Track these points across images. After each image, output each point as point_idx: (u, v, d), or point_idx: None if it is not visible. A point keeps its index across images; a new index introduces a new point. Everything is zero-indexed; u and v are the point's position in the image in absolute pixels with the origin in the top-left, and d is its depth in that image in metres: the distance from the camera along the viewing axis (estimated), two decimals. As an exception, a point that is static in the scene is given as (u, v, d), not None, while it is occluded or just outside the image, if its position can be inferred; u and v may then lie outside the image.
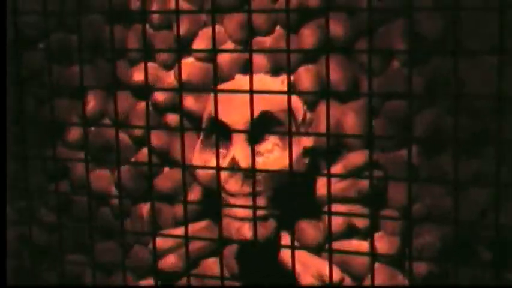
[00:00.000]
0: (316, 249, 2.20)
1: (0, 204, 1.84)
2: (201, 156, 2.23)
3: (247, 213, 2.11)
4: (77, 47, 1.77)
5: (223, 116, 2.17)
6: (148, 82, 1.63)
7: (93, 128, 2.53)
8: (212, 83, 2.33)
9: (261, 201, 2.14)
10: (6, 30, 2.00)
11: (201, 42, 2.36)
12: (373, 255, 2.19)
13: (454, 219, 1.33)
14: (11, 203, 2.64)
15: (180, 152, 1.65)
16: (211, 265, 2.38)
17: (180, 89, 1.58)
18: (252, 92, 1.50)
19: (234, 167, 2.11)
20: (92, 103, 2.52)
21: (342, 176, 2.19)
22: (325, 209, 2.22)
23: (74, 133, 2.55)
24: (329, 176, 1.49)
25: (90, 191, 2.50)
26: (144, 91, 2.44)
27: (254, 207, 1.52)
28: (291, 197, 2.18)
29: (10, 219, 2.61)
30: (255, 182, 1.67)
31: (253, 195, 1.64)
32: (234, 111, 2.14)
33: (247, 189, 2.12)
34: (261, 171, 1.93)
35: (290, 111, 1.68)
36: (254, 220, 1.55)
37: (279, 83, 2.27)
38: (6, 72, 1.94)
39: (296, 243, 2.25)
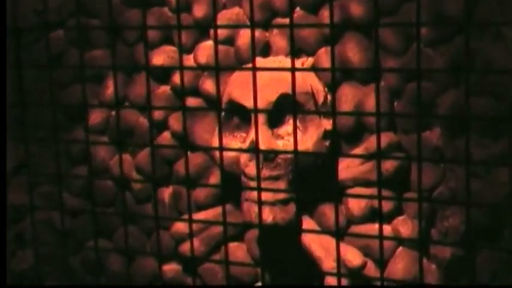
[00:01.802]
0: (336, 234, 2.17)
1: (0, 204, 1.84)
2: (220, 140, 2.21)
3: (268, 197, 2.08)
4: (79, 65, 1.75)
5: (242, 100, 2.15)
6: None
7: (113, 112, 2.52)
8: (232, 65, 2.30)
9: (281, 185, 2.12)
10: (6, 29, 2.00)
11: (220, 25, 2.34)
12: (397, 239, 2.16)
13: (467, 202, 1.30)
14: (36, 188, 2.65)
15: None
16: (233, 249, 2.36)
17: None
18: (254, 69, 1.46)
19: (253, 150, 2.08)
20: (111, 88, 2.51)
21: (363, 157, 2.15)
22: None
23: (95, 117, 2.54)
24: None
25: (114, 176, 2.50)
26: (162, 73, 2.42)
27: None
28: (312, 180, 2.15)
29: (34, 205, 2.62)
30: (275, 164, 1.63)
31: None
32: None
33: (267, 172, 2.10)
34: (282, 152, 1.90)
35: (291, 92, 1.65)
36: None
37: (299, 65, 2.24)
38: (6, 71, 1.93)
39: (317, 228, 2.22)
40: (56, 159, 1.72)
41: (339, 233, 1.59)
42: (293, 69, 1.45)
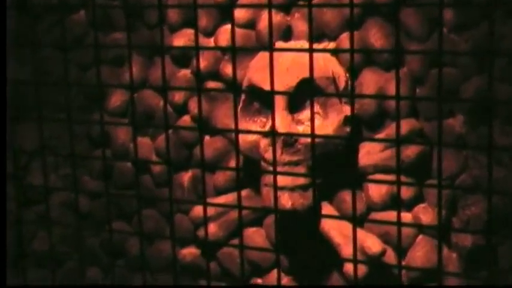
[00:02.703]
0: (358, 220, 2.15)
1: (0, 203, 1.84)
2: (240, 125, 2.20)
3: (287, 182, 2.07)
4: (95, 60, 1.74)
5: (262, 84, 2.13)
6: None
7: (135, 95, 2.52)
8: (251, 47, 2.28)
9: (301, 171, 2.10)
10: (6, 28, 1.99)
11: (241, 9, 2.31)
12: (419, 225, 2.13)
13: (488, 189, 1.27)
14: (56, 170, 2.66)
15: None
16: (252, 234, 2.35)
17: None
18: (272, 49, 1.44)
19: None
20: (133, 70, 2.50)
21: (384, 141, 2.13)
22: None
23: (116, 100, 2.54)
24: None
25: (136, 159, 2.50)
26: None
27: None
28: (332, 167, 2.13)
29: (55, 186, 2.63)
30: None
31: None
32: (274, 79, 2.09)
33: (287, 157, 2.08)
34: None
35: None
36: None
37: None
38: (6, 70, 1.93)
39: (336, 214, 2.20)
40: (71, 141, 1.72)
41: (357, 220, 1.57)
42: (311, 50, 1.42)
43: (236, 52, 1.62)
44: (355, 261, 1.46)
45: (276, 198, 1.78)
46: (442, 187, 1.44)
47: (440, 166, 1.48)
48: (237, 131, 1.56)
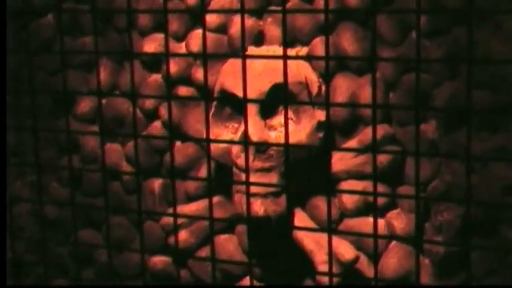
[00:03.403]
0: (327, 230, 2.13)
1: (0, 203, 1.80)
2: (212, 131, 2.17)
3: (259, 189, 2.04)
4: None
5: (234, 89, 2.10)
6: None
7: (104, 101, 2.48)
8: (224, 54, 2.26)
9: (273, 177, 2.07)
10: (6, 27, 1.95)
11: (213, 14, 2.29)
12: (390, 236, 2.12)
13: (467, 198, 1.26)
14: (22, 177, 2.61)
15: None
16: (223, 242, 2.32)
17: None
18: (245, 56, 1.41)
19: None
20: (102, 75, 2.46)
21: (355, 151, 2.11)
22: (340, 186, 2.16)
23: (84, 105, 2.50)
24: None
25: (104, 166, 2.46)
26: (155, 63, 2.37)
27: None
28: (304, 172, 2.11)
29: (22, 195, 2.58)
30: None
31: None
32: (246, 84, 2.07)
33: (259, 164, 2.06)
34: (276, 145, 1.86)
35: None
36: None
37: (293, 54, 2.19)
38: (6, 69, 1.89)
39: (309, 221, 2.18)
40: (36, 149, 1.67)
41: (332, 231, 1.55)
42: (285, 57, 1.40)
43: (208, 58, 1.59)
44: (330, 274, 1.44)
45: (248, 206, 1.75)
46: (419, 198, 1.42)
47: (418, 176, 1.46)
48: (208, 141, 1.53)
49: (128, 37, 1.59)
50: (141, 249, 1.53)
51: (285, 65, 1.42)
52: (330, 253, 1.42)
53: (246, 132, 1.62)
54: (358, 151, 2.13)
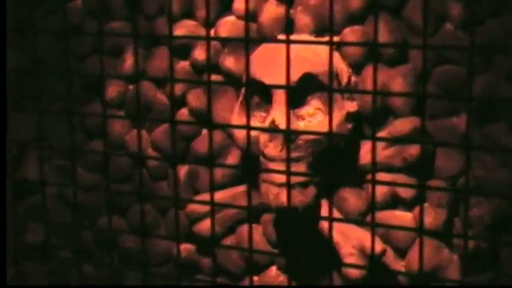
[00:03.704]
0: (357, 222, 2.11)
1: (0, 203, 1.80)
2: (239, 119, 2.15)
3: (286, 179, 2.02)
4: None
5: (264, 77, 2.08)
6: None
7: (131, 87, 2.47)
8: (254, 42, 2.23)
9: (301, 167, 2.05)
10: (6, 26, 1.94)
11: (242, 0, 2.26)
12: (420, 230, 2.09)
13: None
14: (50, 160, 2.61)
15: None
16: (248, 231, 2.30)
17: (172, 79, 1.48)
18: (288, 41, 1.37)
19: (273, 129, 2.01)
20: (129, 61, 2.45)
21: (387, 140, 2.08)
22: (369, 177, 2.13)
23: (112, 91, 2.49)
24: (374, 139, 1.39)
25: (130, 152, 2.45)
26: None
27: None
28: (333, 163, 2.08)
29: (49, 179, 2.58)
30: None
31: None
32: (275, 73, 2.05)
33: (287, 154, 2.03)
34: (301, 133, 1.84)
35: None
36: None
37: (323, 44, 2.15)
38: (6, 69, 1.88)
39: (336, 213, 2.16)
40: (71, 134, 1.67)
41: (359, 221, 1.53)
42: (331, 43, 1.36)
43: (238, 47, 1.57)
44: (356, 266, 1.41)
45: (276, 195, 1.72)
46: (447, 190, 1.39)
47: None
48: (248, 127, 1.51)
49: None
50: (176, 236, 1.51)
51: (331, 52, 1.38)
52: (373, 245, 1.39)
53: (287, 120, 1.60)
54: (386, 140, 2.09)
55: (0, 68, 1.84)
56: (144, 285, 2.43)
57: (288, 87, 1.70)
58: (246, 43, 1.32)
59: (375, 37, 1.34)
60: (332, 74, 1.43)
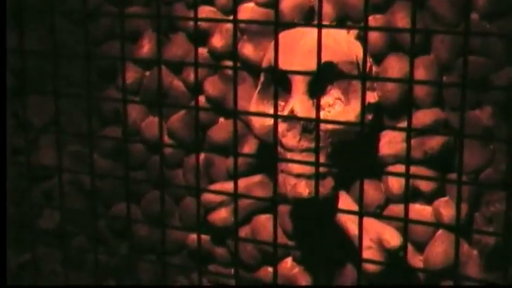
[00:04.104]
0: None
1: (0, 203, 1.77)
2: (258, 108, 2.11)
3: (304, 170, 1.98)
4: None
5: (283, 65, 2.04)
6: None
7: (148, 73, 2.44)
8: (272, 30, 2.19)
9: (319, 158, 2.01)
10: (5, 25, 1.91)
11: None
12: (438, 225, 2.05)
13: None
14: (64, 146, 2.58)
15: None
16: (264, 222, 2.27)
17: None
18: (320, 26, 1.32)
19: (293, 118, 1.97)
20: (146, 47, 2.41)
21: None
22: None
23: (128, 76, 2.45)
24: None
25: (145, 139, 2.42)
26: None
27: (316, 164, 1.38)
28: (352, 154, 2.05)
29: (63, 165, 2.55)
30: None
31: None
32: (295, 61, 2.01)
33: (305, 144, 1.99)
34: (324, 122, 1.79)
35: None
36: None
37: (345, 33, 2.11)
38: (6, 69, 1.85)
39: (354, 204, 2.12)
40: (89, 119, 1.63)
41: (362, 214, 1.49)
42: (320, 25, 1.31)
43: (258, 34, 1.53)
44: (371, 261, 1.38)
45: (294, 186, 1.68)
46: (461, 183, 1.34)
47: (461, 161, 1.38)
48: (276, 116, 1.47)
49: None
50: (198, 228, 1.48)
51: (319, 34, 1.33)
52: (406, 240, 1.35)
53: (317, 111, 1.55)
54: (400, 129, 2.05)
55: (1, 64, 1.82)
56: (144, 285, 2.42)
57: (315, 73, 1.66)
58: (276, 26, 1.27)
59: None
60: (365, 60, 1.38)
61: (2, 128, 1.79)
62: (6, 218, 1.79)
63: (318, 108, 1.37)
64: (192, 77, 2.33)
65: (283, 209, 2.23)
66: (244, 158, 2.28)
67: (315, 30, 2.08)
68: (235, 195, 1.53)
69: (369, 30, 1.56)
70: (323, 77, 2.03)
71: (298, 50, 2.01)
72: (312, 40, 2.00)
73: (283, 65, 2.03)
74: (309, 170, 1.98)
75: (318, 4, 1.29)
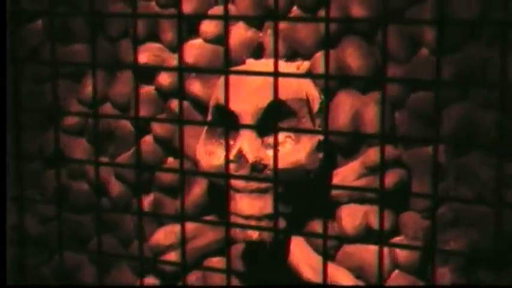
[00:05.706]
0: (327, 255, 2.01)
1: (0, 203, 1.69)
2: (205, 147, 2.04)
3: (254, 212, 1.92)
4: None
5: (230, 105, 1.98)
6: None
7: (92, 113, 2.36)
8: (221, 66, 2.14)
9: (269, 198, 1.95)
10: (6, 27, 1.84)
11: (209, 23, 2.17)
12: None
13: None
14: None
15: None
16: (215, 264, 2.19)
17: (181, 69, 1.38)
18: (276, 74, 1.24)
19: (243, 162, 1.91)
20: (91, 86, 2.34)
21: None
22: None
23: (72, 117, 2.37)
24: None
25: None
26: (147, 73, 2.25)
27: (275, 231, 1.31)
28: (303, 195, 1.99)
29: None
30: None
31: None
32: (243, 99, 1.95)
33: (254, 185, 1.93)
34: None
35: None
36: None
37: (294, 68, 2.07)
38: (6, 69, 1.78)
39: (307, 246, 2.05)
40: (56, 143, 1.54)
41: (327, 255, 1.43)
42: (276, 74, 1.24)
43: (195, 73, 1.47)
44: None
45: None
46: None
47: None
48: (228, 175, 1.40)
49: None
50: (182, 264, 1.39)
51: (276, 82, 1.27)
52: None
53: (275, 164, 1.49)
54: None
55: (0, 74, 1.74)
56: (144, 285, 2.31)
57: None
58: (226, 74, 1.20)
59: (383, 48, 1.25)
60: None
61: (1, 129, 1.70)
62: (6, 218, 1.69)
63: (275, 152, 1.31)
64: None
65: (234, 251, 2.15)
66: (194, 199, 2.20)
67: (263, 66, 2.04)
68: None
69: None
70: (271, 115, 1.97)
71: (245, 88, 1.95)
72: (259, 78, 1.94)
73: (230, 103, 1.97)
74: (258, 211, 1.92)
75: (274, 49, 1.22)
